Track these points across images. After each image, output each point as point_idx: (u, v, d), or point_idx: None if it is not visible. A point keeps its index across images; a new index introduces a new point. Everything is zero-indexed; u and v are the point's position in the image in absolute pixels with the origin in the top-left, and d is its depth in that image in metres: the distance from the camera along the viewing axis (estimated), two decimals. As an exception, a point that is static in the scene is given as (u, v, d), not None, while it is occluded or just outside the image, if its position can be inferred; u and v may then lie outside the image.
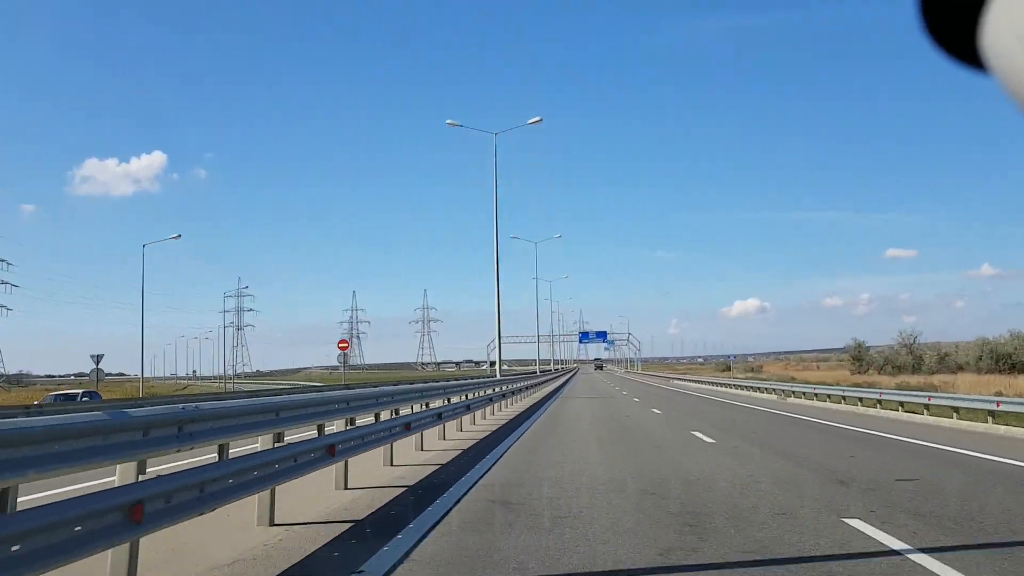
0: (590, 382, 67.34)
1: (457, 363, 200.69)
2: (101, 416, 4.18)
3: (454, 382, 19.42)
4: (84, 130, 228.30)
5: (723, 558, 5.32)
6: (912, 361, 62.32)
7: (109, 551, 4.22)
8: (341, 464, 8.25)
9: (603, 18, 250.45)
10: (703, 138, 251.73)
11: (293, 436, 8.29)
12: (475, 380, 22.93)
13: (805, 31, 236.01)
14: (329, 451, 7.29)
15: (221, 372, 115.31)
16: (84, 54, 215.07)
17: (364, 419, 9.58)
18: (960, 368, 53.54)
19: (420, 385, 15.65)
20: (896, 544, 5.62)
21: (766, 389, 37.19)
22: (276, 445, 6.51)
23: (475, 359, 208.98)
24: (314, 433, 7.68)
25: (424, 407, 12.71)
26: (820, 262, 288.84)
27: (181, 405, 5.27)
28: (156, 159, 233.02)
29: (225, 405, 6.04)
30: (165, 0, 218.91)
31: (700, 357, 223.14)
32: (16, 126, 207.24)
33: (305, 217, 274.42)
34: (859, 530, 6.14)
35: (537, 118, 38.28)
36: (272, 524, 6.54)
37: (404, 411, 11.38)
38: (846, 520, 6.53)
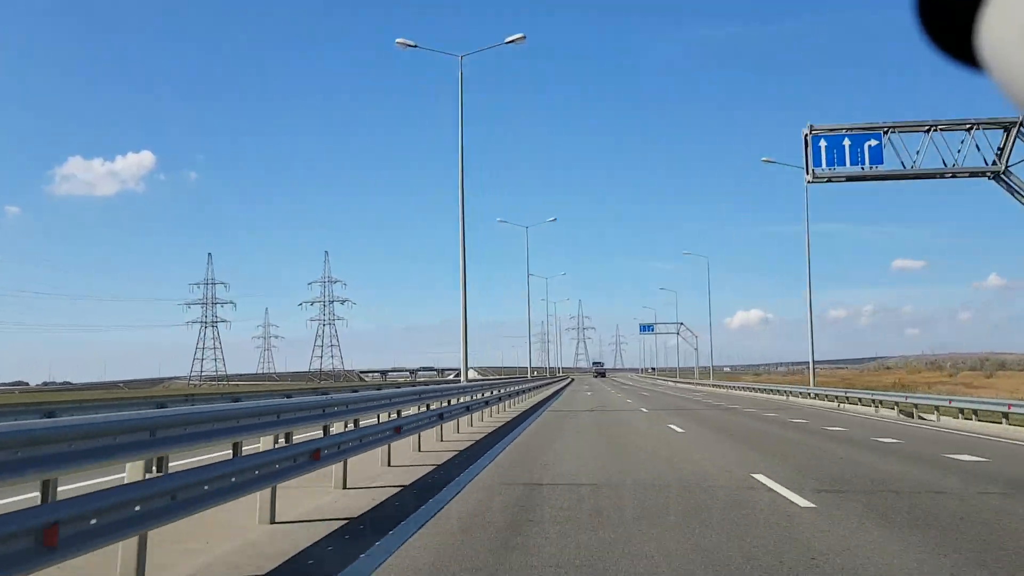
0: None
1: (412, 370, 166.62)
2: None
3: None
4: (73, 129, 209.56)
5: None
6: None
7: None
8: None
9: (602, 28, 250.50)
10: (703, 146, 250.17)
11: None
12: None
13: (804, 39, 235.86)
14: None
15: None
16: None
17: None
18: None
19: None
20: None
21: None
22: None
23: (430, 366, 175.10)
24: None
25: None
26: (825, 274, 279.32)
27: None
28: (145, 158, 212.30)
29: None
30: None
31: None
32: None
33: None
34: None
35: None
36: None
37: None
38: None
